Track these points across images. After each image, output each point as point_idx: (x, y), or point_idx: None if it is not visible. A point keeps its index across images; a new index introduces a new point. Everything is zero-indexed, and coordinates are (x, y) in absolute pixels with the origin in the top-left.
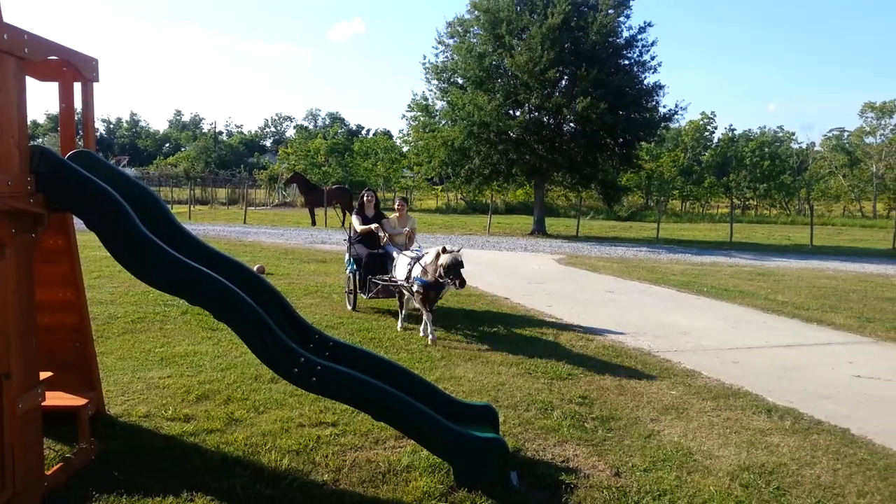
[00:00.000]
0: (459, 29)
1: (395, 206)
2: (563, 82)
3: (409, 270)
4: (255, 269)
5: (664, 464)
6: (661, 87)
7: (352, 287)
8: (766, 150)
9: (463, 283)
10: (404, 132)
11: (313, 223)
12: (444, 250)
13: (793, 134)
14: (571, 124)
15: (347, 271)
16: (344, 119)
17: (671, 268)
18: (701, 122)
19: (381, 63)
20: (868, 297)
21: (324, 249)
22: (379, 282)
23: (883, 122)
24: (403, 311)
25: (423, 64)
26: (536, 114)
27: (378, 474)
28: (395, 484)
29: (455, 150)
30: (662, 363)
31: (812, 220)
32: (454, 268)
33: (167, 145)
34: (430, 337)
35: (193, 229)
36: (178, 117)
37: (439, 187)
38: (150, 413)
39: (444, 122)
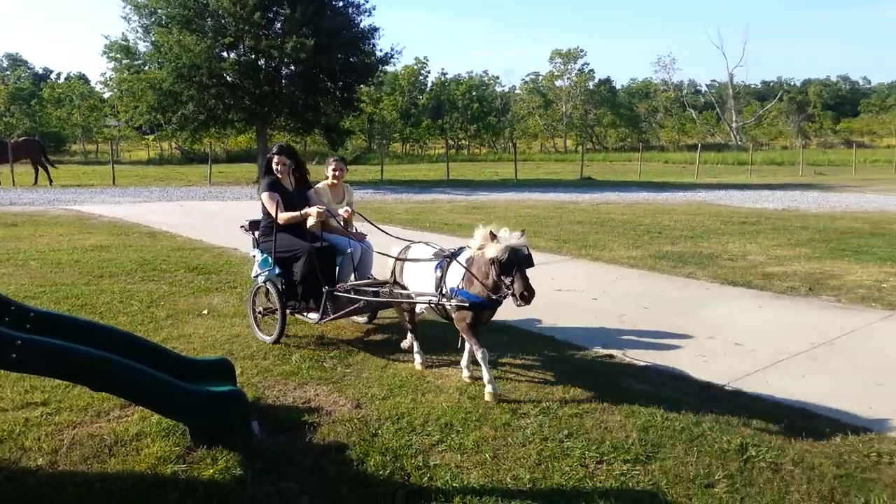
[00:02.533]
0: None
1: (329, 172)
2: (277, 24)
3: (440, 277)
4: None
5: (401, 390)
6: (376, 29)
7: (274, 303)
8: (475, 93)
9: (528, 293)
10: (105, 76)
11: None
12: (493, 236)
13: (497, 78)
14: (292, 67)
15: (261, 279)
16: (27, 62)
17: (396, 207)
18: (416, 67)
19: None
20: (563, 221)
21: (13, 212)
22: (360, 297)
23: (569, 67)
24: (413, 337)
25: None
26: (252, 56)
27: (104, 448)
28: (124, 455)
29: (164, 94)
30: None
31: (515, 157)
32: (515, 266)
33: None
34: (490, 388)
35: None
36: None
37: (150, 137)
38: None
39: (149, 66)
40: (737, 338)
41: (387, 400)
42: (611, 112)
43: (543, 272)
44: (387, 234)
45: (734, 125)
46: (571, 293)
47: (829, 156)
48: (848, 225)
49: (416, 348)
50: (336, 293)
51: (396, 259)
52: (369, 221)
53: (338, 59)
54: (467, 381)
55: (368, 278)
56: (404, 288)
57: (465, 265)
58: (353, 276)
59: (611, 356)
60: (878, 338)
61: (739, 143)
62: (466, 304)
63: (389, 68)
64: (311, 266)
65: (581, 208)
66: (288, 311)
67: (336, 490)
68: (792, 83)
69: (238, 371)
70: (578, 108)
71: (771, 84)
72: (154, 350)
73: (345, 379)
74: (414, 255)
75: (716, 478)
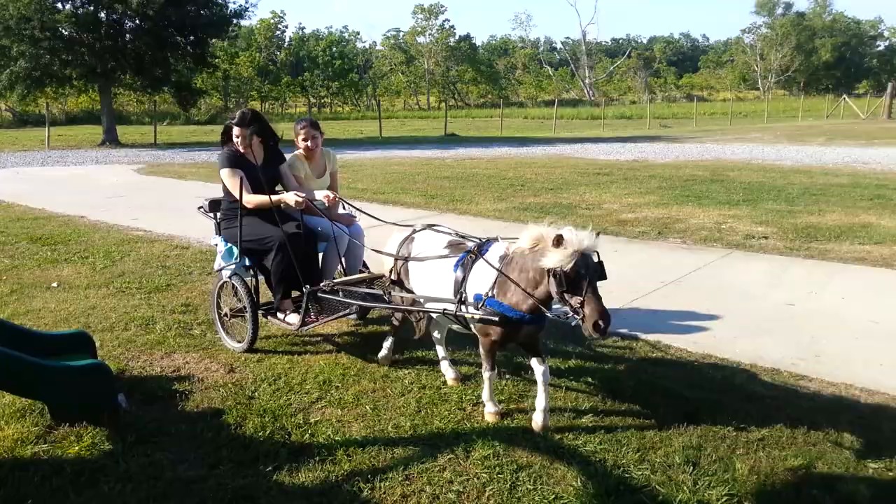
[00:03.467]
0: None
1: (299, 142)
2: None
3: (462, 280)
4: None
5: (275, 351)
6: None
7: (244, 303)
8: (335, 49)
9: (605, 321)
10: None
11: None
12: (559, 241)
13: (357, 34)
14: (137, 20)
15: (225, 273)
16: None
17: None
18: (272, 21)
19: None
20: (430, 177)
21: None
22: (353, 301)
23: (431, 23)
24: (392, 339)
25: None
26: (90, 8)
27: None
28: None
29: None
30: None
31: (380, 115)
32: (586, 281)
33: None
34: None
35: None
36: None
37: None
38: None
39: None
40: None
41: (262, 362)
42: (472, 69)
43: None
44: (378, 220)
45: (587, 81)
46: None
47: (673, 109)
48: (690, 173)
49: (390, 344)
50: (320, 294)
51: (397, 258)
52: (354, 208)
53: (187, 12)
54: (538, 426)
55: (360, 270)
56: (407, 289)
57: (497, 268)
58: (339, 268)
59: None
60: (719, 274)
61: (592, 98)
62: (496, 319)
63: (244, 22)
64: (287, 258)
65: (447, 164)
66: (261, 313)
67: (215, 454)
68: (639, 40)
69: (98, 344)
70: (440, 64)
71: (620, 41)
72: (1, 326)
73: (215, 345)
74: (420, 246)
75: (583, 408)
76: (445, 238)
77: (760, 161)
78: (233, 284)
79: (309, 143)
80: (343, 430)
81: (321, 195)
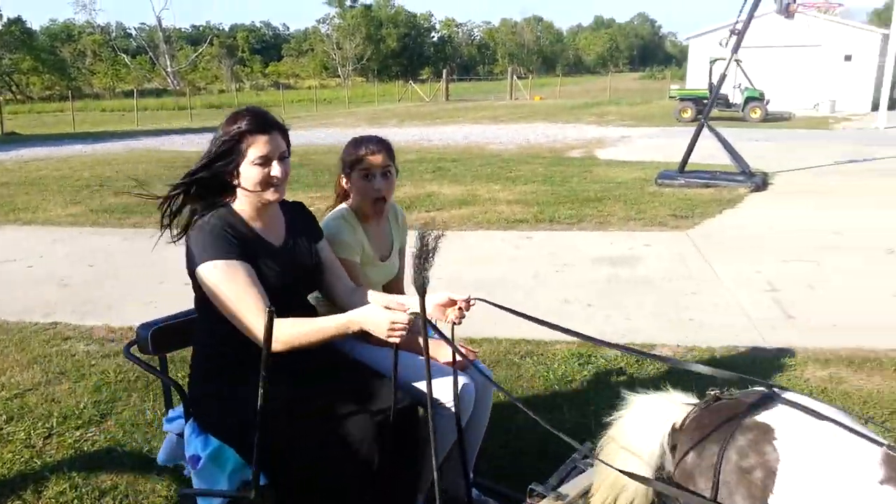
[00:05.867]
0: None
1: (357, 178)
2: None
3: None
4: None
5: None
6: None
7: None
8: None
9: None
10: None
11: None
12: None
13: None
14: None
15: None
16: None
17: None
18: None
19: None
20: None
21: None
22: None
23: None
24: None
25: None
26: None
27: None
28: None
29: None
30: None
31: None
32: None
33: None
34: None
35: None
36: None
37: None
38: None
39: None
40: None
41: None
42: (30, 57)
43: None
44: (606, 343)
45: (170, 70)
46: (3, 264)
47: (262, 97)
48: None
49: None
50: None
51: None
52: (551, 326)
53: None
54: None
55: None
56: None
57: None
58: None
59: (54, 324)
60: None
61: (178, 87)
62: None
63: None
64: (365, 474)
65: (5, 168)
66: None
67: None
68: (220, 28)
69: None
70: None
71: (201, 28)
72: None
73: None
74: (801, 464)
75: None
76: (861, 445)
77: (343, 144)
78: None
79: (380, 188)
80: None
81: (430, 307)
